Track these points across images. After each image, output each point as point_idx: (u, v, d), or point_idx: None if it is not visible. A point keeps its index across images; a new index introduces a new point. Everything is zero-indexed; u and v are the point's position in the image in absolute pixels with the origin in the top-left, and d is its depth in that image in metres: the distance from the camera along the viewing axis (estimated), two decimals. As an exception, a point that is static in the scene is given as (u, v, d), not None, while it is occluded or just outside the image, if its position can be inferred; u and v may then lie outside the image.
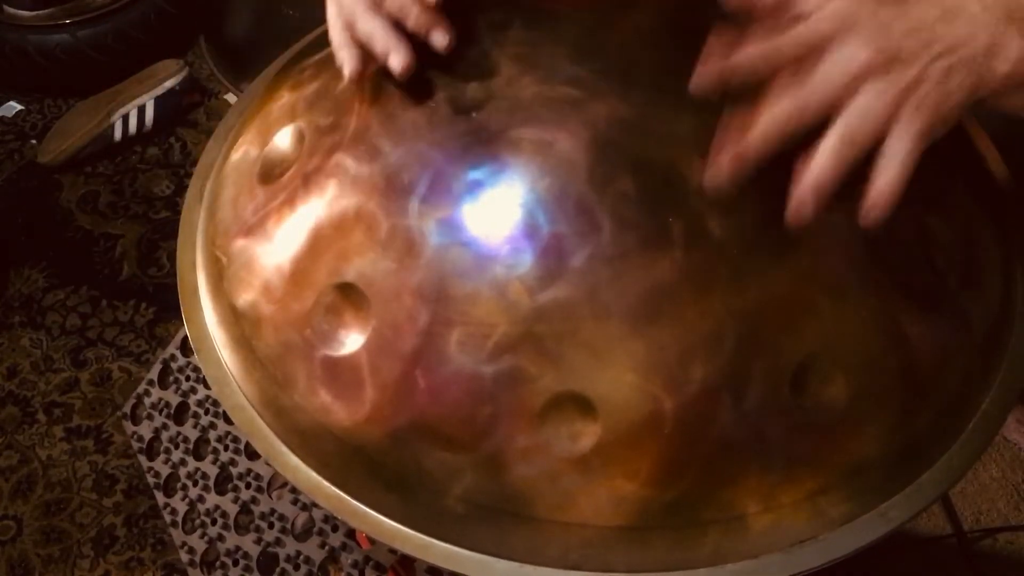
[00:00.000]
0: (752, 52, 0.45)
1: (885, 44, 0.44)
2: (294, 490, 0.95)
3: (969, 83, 0.45)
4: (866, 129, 0.44)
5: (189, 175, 0.65)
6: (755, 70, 0.45)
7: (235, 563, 0.94)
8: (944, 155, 0.57)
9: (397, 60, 0.51)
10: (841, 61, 0.44)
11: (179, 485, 1.00)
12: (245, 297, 0.54)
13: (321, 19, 0.67)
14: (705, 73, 0.45)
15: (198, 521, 0.97)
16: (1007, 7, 0.45)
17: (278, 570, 0.92)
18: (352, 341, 0.49)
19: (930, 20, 0.45)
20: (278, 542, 0.93)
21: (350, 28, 0.53)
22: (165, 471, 1.01)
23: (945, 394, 0.51)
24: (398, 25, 0.52)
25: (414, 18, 0.51)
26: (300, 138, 0.56)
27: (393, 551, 0.64)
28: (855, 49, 0.44)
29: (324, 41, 0.62)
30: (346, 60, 0.53)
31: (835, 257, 0.49)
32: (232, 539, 0.95)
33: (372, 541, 0.80)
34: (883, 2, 0.45)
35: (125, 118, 1.42)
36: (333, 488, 0.51)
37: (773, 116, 0.44)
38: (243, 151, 0.60)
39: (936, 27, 0.45)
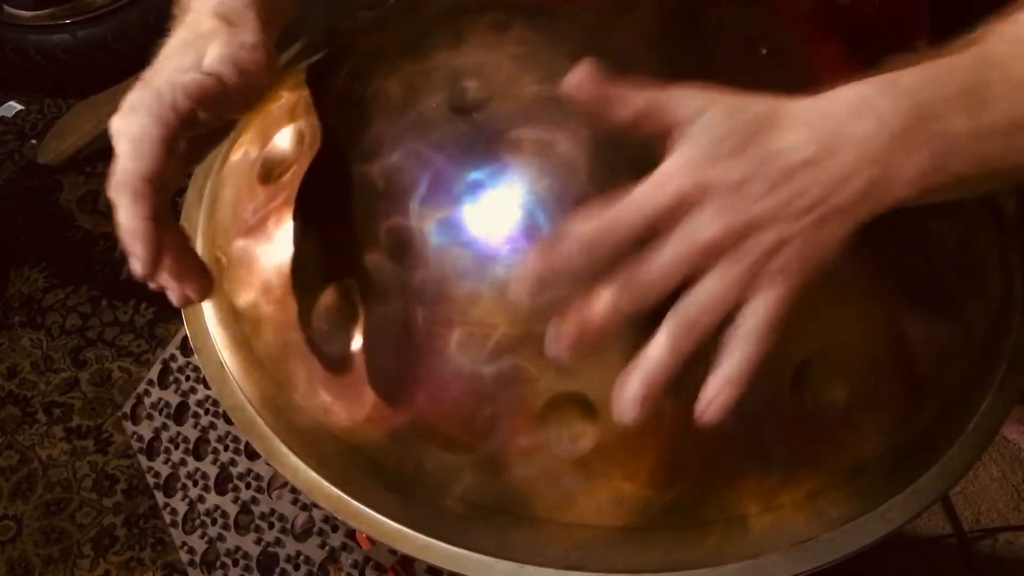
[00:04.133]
0: (587, 238, 0.38)
1: (739, 212, 0.38)
2: (294, 490, 0.95)
3: (848, 224, 0.39)
4: (712, 311, 0.38)
5: (189, 175, 0.64)
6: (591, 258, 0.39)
7: (235, 563, 0.94)
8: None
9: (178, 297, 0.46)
10: (687, 236, 0.38)
11: (179, 485, 1.00)
12: (245, 297, 0.54)
13: (323, 18, 0.68)
14: (522, 277, 0.40)
15: (198, 521, 0.97)
16: (904, 121, 0.39)
17: (278, 570, 0.92)
18: (352, 341, 0.49)
19: (796, 164, 0.38)
20: (278, 542, 0.93)
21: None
22: (165, 471, 1.01)
23: (945, 394, 0.51)
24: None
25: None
26: (300, 138, 0.56)
27: (393, 551, 0.64)
28: (703, 222, 0.38)
29: (324, 41, 0.62)
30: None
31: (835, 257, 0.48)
32: (232, 539, 0.95)
33: (372, 541, 0.80)
34: (743, 144, 0.39)
35: (125, 118, 1.42)
36: (333, 488, 0.51)
37: (610, 300, 0.39)
38: (243, 151, 0.60)
39: (804, 174, 0.38)
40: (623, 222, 0.38)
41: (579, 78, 0.41)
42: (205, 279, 0.47)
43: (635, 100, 0.41)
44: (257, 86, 0.47)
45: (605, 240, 0.38)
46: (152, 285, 0.46)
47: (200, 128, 0.46)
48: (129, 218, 0.43)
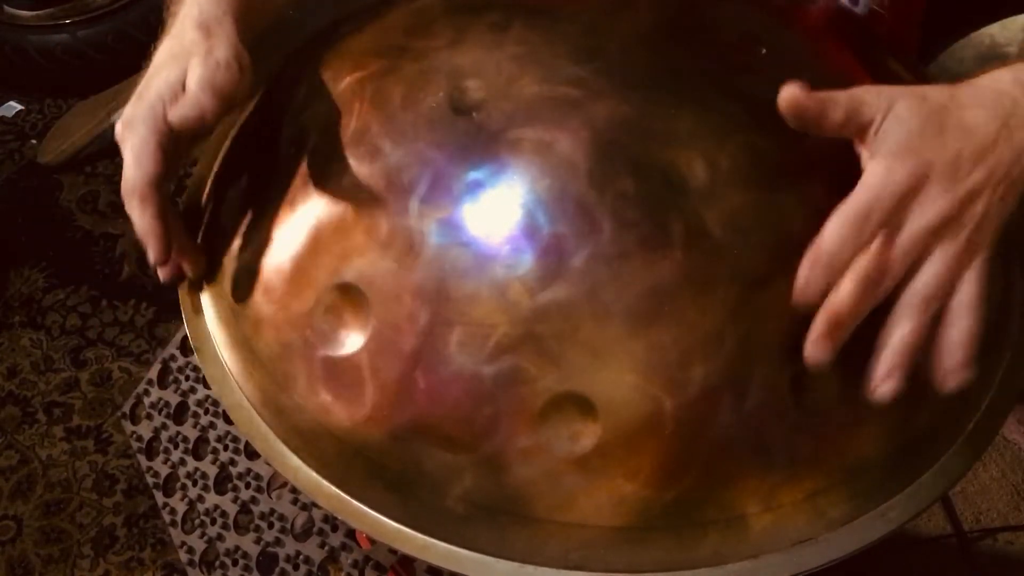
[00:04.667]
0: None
1: (959, 186, 0.42)
2: (294, 490, 0.95)
3: (1016, 197, 0.44)
4: (944, 287, 0.42)
5: (189, 175, 0.64)
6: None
7: (234, 563, 0.94)
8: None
9: (163, 273, 0.55)
10: (921, 218, 0.42)
11: (178, 485, 1.00)
12: (245, 297, 0.54)
13: (323, 19, 0.68)
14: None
15: (197, 521, 0.97)
16: None
17: (277, 570, 0.92)
18: (352, 341, 0.49)
19: (990, 139, 0.43)
20: (278, 542, 0.93)
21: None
22: (164, 471, 1.01)
23: (945, 394, 0.51)
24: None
25: (152, 253, 0.54)
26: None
27: (393, 551, 0.64)
28: (932, 200, 0.42)
29: (324, 41, 0.62)
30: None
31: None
32: (231, 539, 0.95)
33: (372, 541, 0.80)
34: (941, 127, 0.43)
35: (125, 118, 1.42)
36: (333, 488, 0.51)
37: (854, 292, 0.42)
38: (241, 152, 0.60)
39: (997, 148, 0.43)
40: (871, 221, 0.42)
41: (792, 93, 0.44)
42: (198, 257, 0.57)
43: (840, 105, 0.44)
44: (232, 98, 0.54)
45: (856, 243, 0.42)
46: (161, 275, 0.56)
47: (187, 134, 0.53)
48: (141, 219, 0.52)
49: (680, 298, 0.46)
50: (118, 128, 0.53)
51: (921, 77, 0.56)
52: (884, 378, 0.43)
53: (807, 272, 0.43)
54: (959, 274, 0.42)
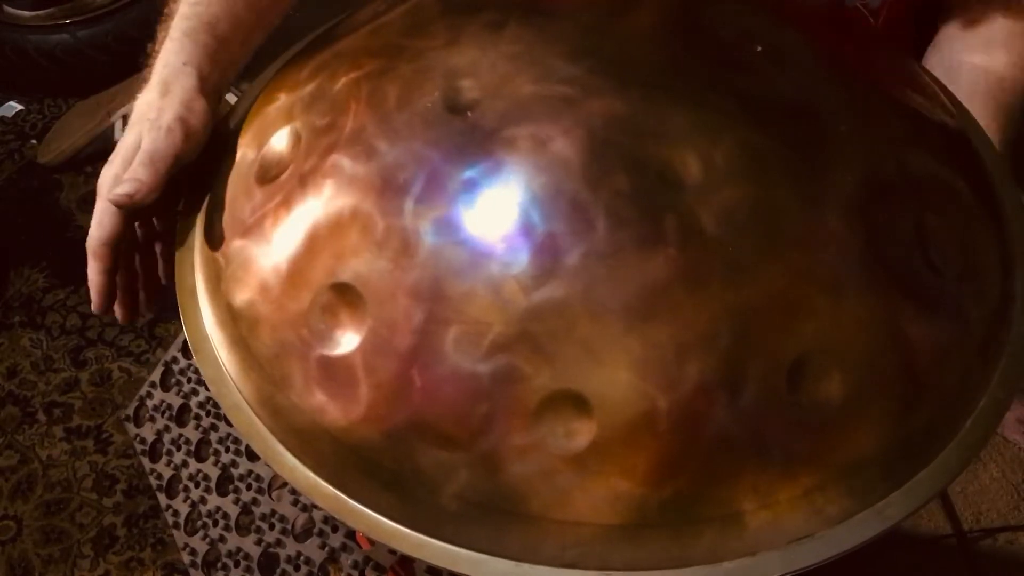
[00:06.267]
0: None
1: None
2: (294, 491, 0.95)
3: None
4: None
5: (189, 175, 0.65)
6: None
7: (236, 564, 0.94)
8: (945, 154, 0.57)
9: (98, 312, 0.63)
10: None
11: (181, 487, 1.00)
12: (242, 297, 0.54)
13: (322, 19, 0.68)
14: None
15: (200, 523, 0.97)
16: None
17: (279, 571, 0.92)
18: (348, 341, 0.49)
19: None
20: (279, 543, 0.93)
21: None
22: (167, 473, 1.01)
23: (943, 392, 0.51)
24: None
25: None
26: (297, 139, 0.56)
27: (393, 551, 0.64)
28: None
29: (324, 42, 0.62)
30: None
31: (831, 254, 0.48)
32: (233, 540, 0.95)
33: (372, 542, 0.80)
34: None
35: (125, 118, 1.42)
36: (330, 488, 0.51)
37: None
38: (241, 153, 0.60)
39: None
40: None
41: None
42: (135, 312, 0.65)
43: None
44: (177, 159, 0.59)
45: None
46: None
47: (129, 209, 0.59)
48: (90, 272, 0.60)
49: (675, 295, 0.46)
50: (100, 181, 0.59)
51: (917, 71, 0.56)
52: None
53: None
54: None
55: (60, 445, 1.14)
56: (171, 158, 0.58)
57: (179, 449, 1.02)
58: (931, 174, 0.55)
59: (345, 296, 0.49)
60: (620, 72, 0.51)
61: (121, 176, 0.58)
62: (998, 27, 0.72)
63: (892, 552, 0.96)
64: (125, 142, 0.59)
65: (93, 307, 0.61)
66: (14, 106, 1.56)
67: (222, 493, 0.98)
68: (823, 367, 0.47)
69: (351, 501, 0.50)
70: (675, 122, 0.49)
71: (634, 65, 0.52)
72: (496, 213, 0.48)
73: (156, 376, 1.07)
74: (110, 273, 0.60)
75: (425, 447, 0.47)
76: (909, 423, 0.50)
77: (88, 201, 1.39)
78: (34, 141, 1.49)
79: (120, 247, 0.60)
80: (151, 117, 0.59)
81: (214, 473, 0.99)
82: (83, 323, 1.26)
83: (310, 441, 0.51)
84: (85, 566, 1.04)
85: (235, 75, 0.66)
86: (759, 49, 0.54)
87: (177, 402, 1.05)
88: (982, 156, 0.61)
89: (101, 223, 0.58)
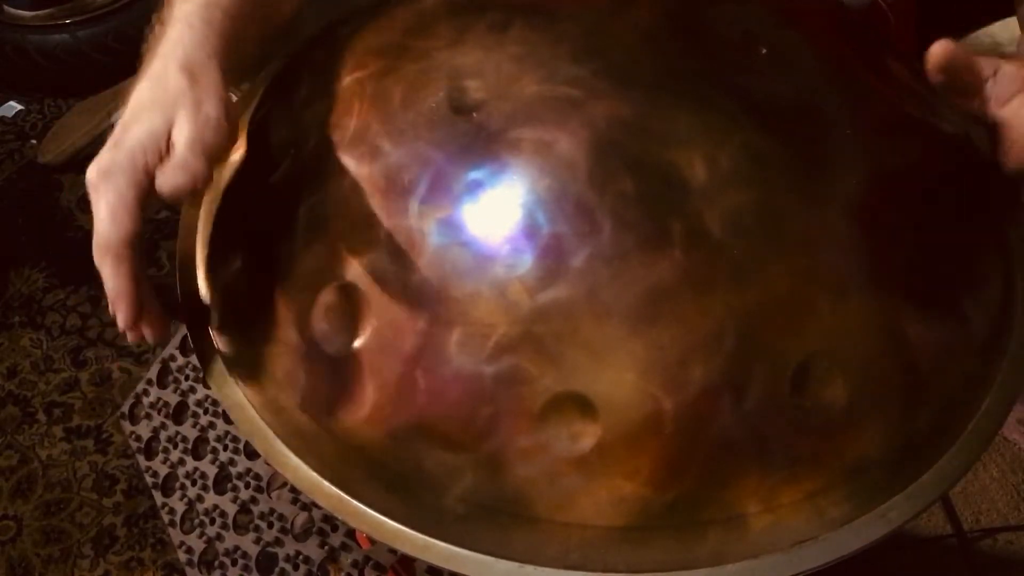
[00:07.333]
0: None
1: None
2: (293, 490, 0.94)
3: None
4: None
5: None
6: None
7: (234, 563, 0.94)
8: (946, 155, 0.57)
9: (130, 336, 0.51)
10: None
11: (177, 485, 1.00)
12: (245, 297, 0.54)
13: (322, 19, 0.68)
14: None
15: (196, 521, 0.97)
16: None
17: (277, 570, 0.92)
18: (352, 341, 0.49)
19: None
20: (277, 542, 0.93)
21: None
22: (163, 471, 1.01)
23: (945, 394, 0.51)
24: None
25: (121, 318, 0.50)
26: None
27: (393, 551, 0.64)
28: None
29: (323, 41, 0.62)
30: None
31: (835, 257, 0.49)
32: (231, 539, 0.95)
33: (372, 541, 0.80)
34: None
35: (125, 118, 1.41)
36: (333, 488, 0.51)
37: None
38: (242, 152, 0.60)
39: None
40: None
41: (943, 48, 0.53)
42: (163, 322, 0.53)
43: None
44: (219, 160, 0.53)
45: None
46: (129, 338, 0.52)
47: (174, 201, 0.50)
48: (114, 280, 0.49)
49: (680, 298, 0.46)
50: (91, 174, 0.49)
51: (921, 75, 0.56)
52: None
53: None
54: None
55: (60, 445, 1.14)
56: (218, 154, 0.52)
57: (176, 447, 1.02)
58: (933, 175, 0.55)
59: (349, 296, 0.49)
60: (625, 74, 0.51)
61: (141, 162, 0.49)
62: None
63: (892, 552, 0.96)
64: (138, 127, 0.50)
65: (123, 323, 0.50)
66: (14, 106, 1.55)
67: (220, 491, 0.98)
68: (827, 370, 0.47)
69: (354, 502, 0.50)
70: (680, 124, 0.49)
71: (639, 67, 0.52)
72: (501, 214, 0.48)
73: (153, 373, 1.07)
74: (137, 279, 0.49)
75: (429, 448, 0.47)
76: (912, 426, 0.50)
77: (88, 201, 1.39)
78: (34, 141, 1.49)
79: (140, 247, 0.50)
80: (187, 105, 0.51)
81: (211, 471, 0.99)
82: (83, 323, 1.26)
83: (313, 441, 0.51)
84: (85, 566, 1.04)
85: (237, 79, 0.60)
86: (764, 51, 0.54)
87: (174, 399, 1.05)
88: (983, 157, 0.61)
89: (116, 219, 0.48)
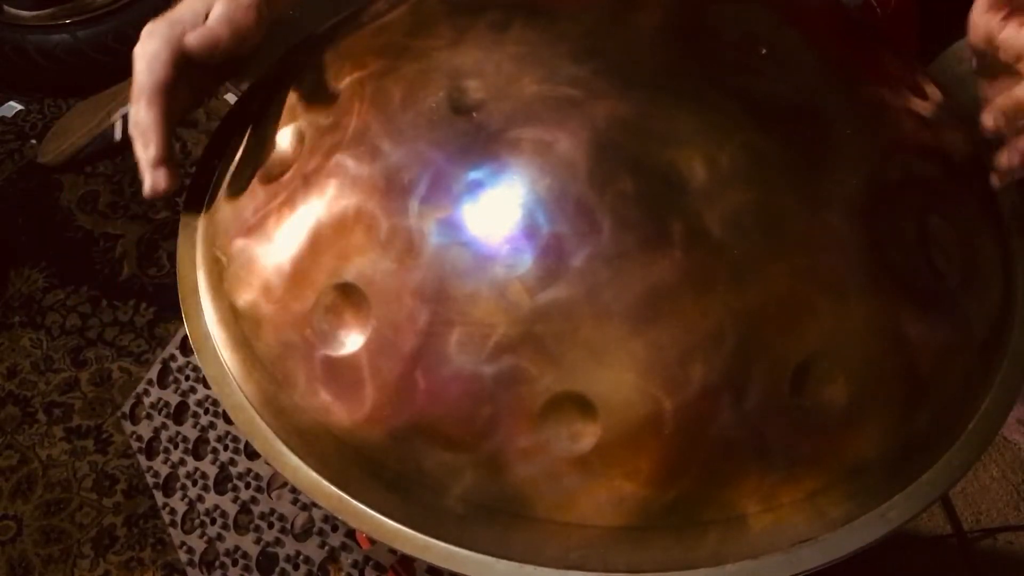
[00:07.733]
0: None
1: None
2: (294, 490, 0.95)
3: None
4: None
5: (189, 175, 0.64)
6: None
7: (234, 563, 0.94)
8: (946, 157, 0.57)
9: (154, 177, 0.55)
10: None
11: (178, 485, 1.00)
12: (245, 297, 0.54)
13: (324, 18, 0.68)
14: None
15: (197, 521, 0.97)
16: None
17: (277, 570, 0.92)
18: (352, 341, 0.49)
19: None
20: (277, 542, 0.93)
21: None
22: (164, 471, 1.01)
23: (945, 394, 0.51)
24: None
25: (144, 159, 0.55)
26: (300, 138, 0.56)
27: (393, 551, 0.64)
28: None
29: (327, 41, 0.62)
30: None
31: (835, 257, 0.49)
32: (231, 539, 0.95)
33: (372, 541, 0.80)
34: None
35: (125, 118, 1.42)
36: (333, 488, 0.51)
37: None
38: (242, 151, 0.60)
39: None
40: None
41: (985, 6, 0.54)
42: (177, 178, 0.57)
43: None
44: (246, 40, 0.57)
45: None
46: (148, 181, 0.56)
47: (197, 61, 0.56)
48: (146, 117, 0.55)
49: (680, 298, 0.46)
50: (137, 47, 0.56)
51: (920, 74, 0.56)
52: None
53: None
54: None
55: (60, 445, 1.14)
56: (245, 32, 0.57)
57: (176, 447, 1.02)
58: (933, 176, 0.55)
59: (349, 296, 0.49)
60: (625, 74, 0.51)
61: (179, 30, 0.55)
62: None
63: (892, 552, 0.96)
64: (183, 6, 0.57)
65: (149, 160, 0.55)
66: (14, 106, 1.55)
67: (220, 491, 0.98)
68: (827, 370, 0.47)
69: (354, 502, 0.50)
70: (680, 124, 0.49)
71: (638, 66, 0.52)
72: (501, 214, 0.48)
73: (153, 373, 1.07)
74: (168, 123, 0.55)
75: (429, 448, 0.47)
76: (912, 425, 0.50)
77: (88, 201, 1.39)
78: (34, 141, 1.48)
79: (173, 104, 0.56)
80: None
81: (212, 471, 0.99)
82: (83, 323, 1.26)
83: (313, 441, 0.51)
84: (85, 566, 1.04)
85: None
86: (764, 51, 0.54)
87: (175, 400, 1.05)
88: (983, 158, 0.61)
89: (151, 68, 0.55)
